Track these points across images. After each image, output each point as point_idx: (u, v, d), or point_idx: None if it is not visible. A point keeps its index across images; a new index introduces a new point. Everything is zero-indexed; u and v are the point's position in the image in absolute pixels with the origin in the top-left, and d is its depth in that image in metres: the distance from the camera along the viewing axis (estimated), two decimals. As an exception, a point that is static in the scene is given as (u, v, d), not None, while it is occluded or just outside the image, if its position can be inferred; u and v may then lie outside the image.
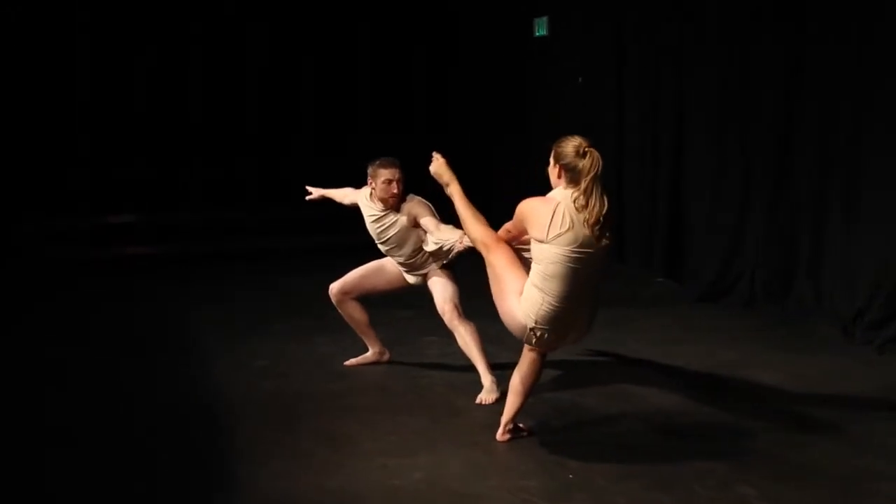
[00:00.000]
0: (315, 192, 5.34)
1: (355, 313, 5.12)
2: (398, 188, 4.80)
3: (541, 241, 3.65)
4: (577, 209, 3.62)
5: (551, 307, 3.68)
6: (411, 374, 5.02)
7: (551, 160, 3.75)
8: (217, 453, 3.98)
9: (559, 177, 3.72)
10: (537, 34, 9.03)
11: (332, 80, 10.24)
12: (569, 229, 3.61)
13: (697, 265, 7.00)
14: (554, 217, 3.62)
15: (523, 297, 3.74)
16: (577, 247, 3.62)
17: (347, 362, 5.20)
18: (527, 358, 3.94)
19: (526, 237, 3.82)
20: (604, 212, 3.61)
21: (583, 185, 3.61)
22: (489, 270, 3.89)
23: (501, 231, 3.92)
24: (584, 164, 3.62)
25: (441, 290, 4.80)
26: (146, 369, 5.25)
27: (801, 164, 6.14)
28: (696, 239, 7.07)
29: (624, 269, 7.70)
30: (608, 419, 4.22)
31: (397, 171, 4.80)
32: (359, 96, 10.33)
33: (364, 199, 4.97)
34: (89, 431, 4.25)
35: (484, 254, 3.92)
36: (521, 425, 4.06)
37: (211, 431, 4.24)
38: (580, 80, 8.38)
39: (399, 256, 4.92)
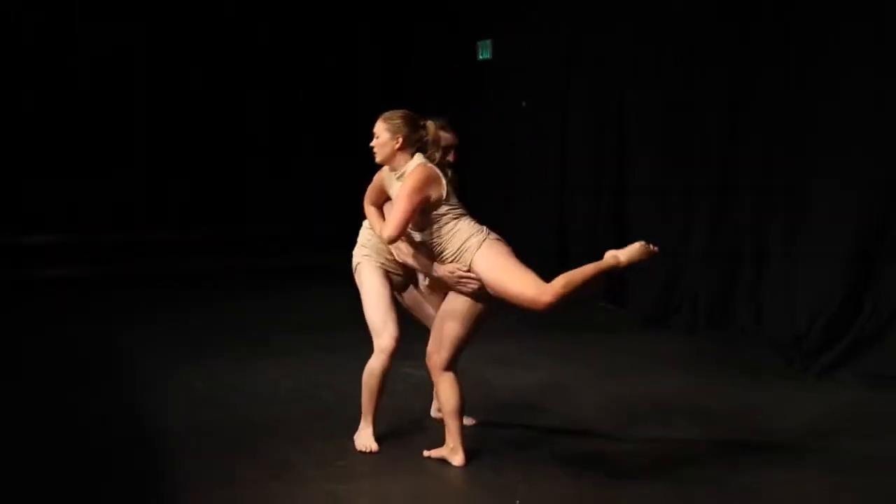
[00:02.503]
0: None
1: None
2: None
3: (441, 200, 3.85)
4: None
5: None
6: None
7: (386, 135, 3.93)
8: (158, 482, 3.87)
9: (401, 148, 3.91)
10: (481, 57, 9.11)
11: (281, 105, 10.22)
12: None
13: (640, 291, 7.08)
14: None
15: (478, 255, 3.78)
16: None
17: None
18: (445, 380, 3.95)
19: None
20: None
21: (430, 150, 3.94)
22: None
23: (400, 222, 3.81)
24: (426, 132, 3.96)
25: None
26: (84, 396, 5.08)
27: (743, 190, 6.27)
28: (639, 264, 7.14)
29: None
30: (553, 445, 4.22)
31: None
32: (306, 119, 10.34)
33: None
34: (24, 460, 4.10)
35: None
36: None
37: (151, 460, 4.12)
38: (524, 104, 8.46)
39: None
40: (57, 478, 3.91)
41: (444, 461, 4.00)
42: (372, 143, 4.00)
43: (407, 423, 4.50)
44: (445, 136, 4.21)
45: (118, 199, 9.68)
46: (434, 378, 4.01)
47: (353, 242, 4.32)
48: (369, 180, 4.16)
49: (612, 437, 4.42)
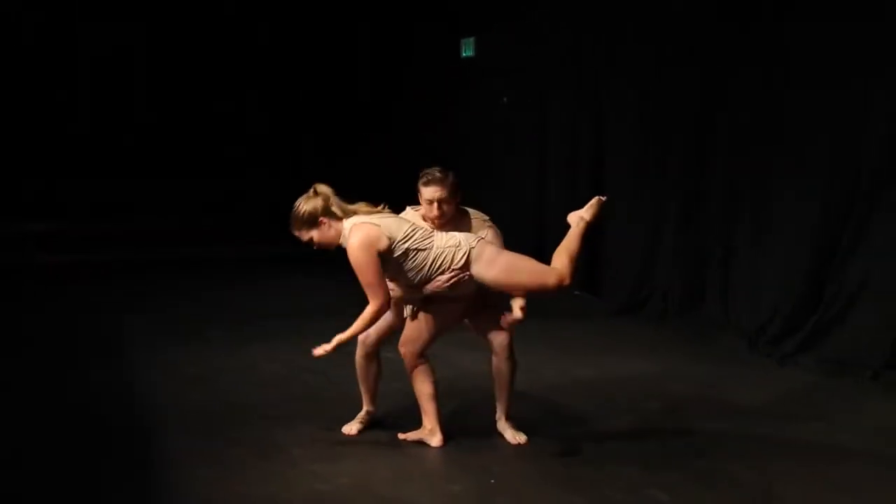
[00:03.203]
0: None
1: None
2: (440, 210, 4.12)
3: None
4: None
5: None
6: (341, 382, 5.10)
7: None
8: (147, 462, 4.03)
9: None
10: (464, 55, 9.28)
11: (279, 102, 10.31)
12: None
13: (614, 279, 7.32)
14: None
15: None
16: None
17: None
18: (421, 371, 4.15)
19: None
20: None
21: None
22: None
23: (375, 287, 3.87)
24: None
25: None
26: (78, 378, 5.25)
27: (713, 187, 6.49)
28: (613, 254, 7.39)
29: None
30: (527, 426, 4.37)
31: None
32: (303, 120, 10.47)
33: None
34: (18, 440, 4.27)
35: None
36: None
37: (140, 440, 4.28)
38: (505, 100, 8.64)
39: None
40: (47, 455, 4.07)
41: (422, 443, 4.20)
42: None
43: (388, 407, 4.65)
44: (425, 190, 4.09)
45: (117, 193, 9.79)
46: (408, 365, 4.17)
47: None
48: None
49: (585, 419, 4.62)
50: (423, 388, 4.16)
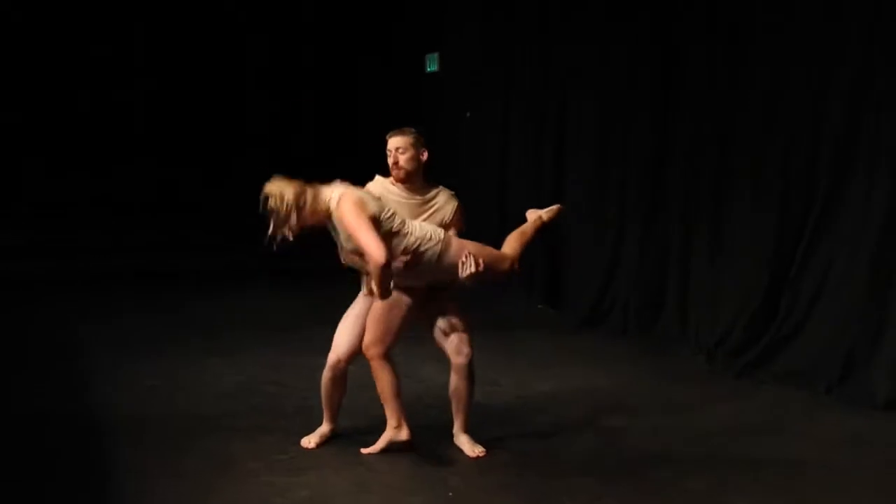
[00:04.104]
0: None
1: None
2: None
3: None
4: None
5: None
6: (302, 395, 5.11)
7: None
8: (104, 474, 4.00)
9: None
10: (429, 69, 9.33)
11: (222, 114, 10.32)
12: None
13: (575, 293, 7.38)
14: None
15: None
16: None
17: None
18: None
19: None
20: None
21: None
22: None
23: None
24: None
25: None
26: (35, 388, 5.20)
27: (671, 202, 6.58)
28: (574, 268, 7.46)
29: (506, 296, 8.00)
30: (486, 439, 4.39)
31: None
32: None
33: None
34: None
35: None
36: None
37: (98, 452, 4.25)
38: (468, 114, 8.70)
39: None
40: (9, 465, 4.03)
41: (386, 453, 4.17)
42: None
43: (349, 420, 4.63)
44: (389, 142, 4.29)
45: (91, 197, 9.72)
46: (374, 365, 4.17)
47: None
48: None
49: (544, 432, 4.64)
50: (389, 384, 4.14)
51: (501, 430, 4.63)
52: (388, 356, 4.18)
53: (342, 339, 4.29)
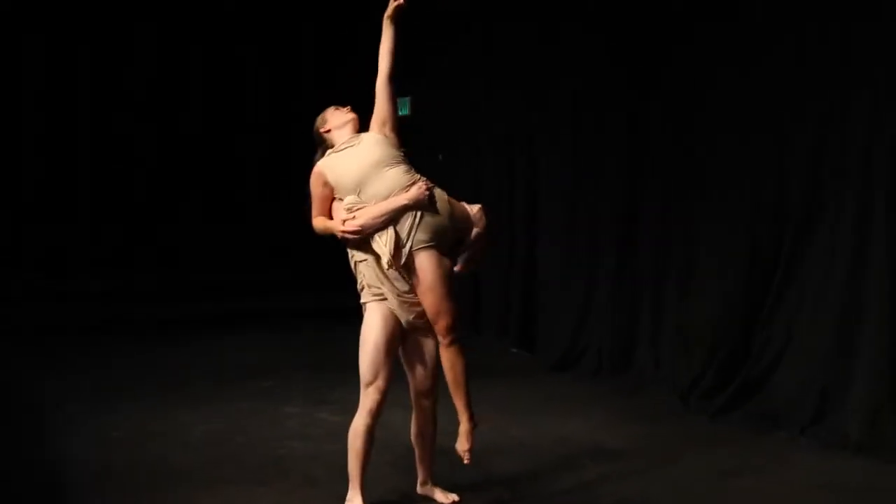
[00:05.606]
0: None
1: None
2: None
3: None
4: None
5: None
6: (270, 444, 5.04)
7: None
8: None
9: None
10: (400, 113, 9.34)
11: (217, 151, 10.36)
12: None
13: (548, 337, 7.35)
14: None
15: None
16: None
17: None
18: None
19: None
20: None
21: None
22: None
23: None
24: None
25: None
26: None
27: (643, 245, 6.60)
28: (547, 312, 7.44)
29: (480, 340, 7.98)
30: (460, 486, 4.33)
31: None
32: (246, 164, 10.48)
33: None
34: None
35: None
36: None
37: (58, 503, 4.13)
38: (440, 157, 8.72)
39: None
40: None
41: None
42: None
43: (319, 469, 4.57)
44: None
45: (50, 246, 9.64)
46: (456, 349, 3.88)
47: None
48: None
49: (518, 478, 4.60)
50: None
51: (476, 477, 4.54)
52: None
53: (382, 373, 3.85)
